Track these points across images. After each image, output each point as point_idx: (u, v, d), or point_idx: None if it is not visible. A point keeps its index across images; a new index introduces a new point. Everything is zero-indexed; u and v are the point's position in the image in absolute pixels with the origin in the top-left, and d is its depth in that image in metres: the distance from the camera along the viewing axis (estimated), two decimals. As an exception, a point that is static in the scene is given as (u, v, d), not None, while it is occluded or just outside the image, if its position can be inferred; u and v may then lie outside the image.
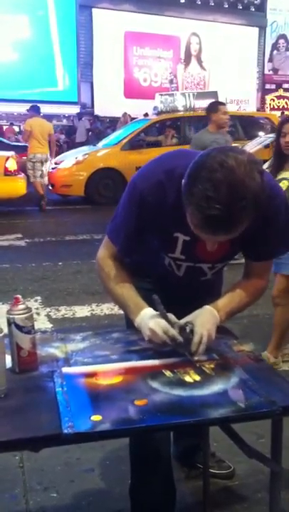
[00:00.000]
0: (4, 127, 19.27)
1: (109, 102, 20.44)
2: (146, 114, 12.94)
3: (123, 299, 1.68)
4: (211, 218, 1.30)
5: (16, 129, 19.39)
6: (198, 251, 1.61)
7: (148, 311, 1.61)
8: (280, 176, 3.07)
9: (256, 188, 1.30)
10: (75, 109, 21.00)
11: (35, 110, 9.58)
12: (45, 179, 9.46)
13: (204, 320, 1.57)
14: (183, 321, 1.58)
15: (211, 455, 2.19)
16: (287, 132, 3.05)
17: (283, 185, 2.96)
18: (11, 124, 20.28)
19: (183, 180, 1.38)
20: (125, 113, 15.12)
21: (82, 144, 13.82)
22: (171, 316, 1.57)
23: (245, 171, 1.29)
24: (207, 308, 1.61)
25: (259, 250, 1.66)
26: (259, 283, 1.73)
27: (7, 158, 8.59)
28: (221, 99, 11.23)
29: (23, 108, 20.94)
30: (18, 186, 8.64)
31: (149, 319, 1.57)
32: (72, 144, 15.83)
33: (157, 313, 1.57)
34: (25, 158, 9.44)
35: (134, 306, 1.65)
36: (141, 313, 1.61)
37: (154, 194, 1.55)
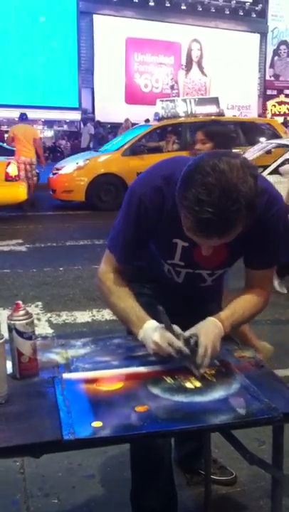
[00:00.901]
0: (5, 132, 19.33)
1: (111, 107, 20.52)
2: (147, 120, 12.98)
3: (125, 313, 1.66)
4: (203, 222, 1.31)
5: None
6: (197, 257, 1.60)
7: (151, 324, 1.58)
8: None
9: (249, 192, 1.30)
10: (76, 115, 21.08)
11: (21, 117, 10.28)
12: (34, 180, 9.94)
13: (208, 332, 1.54)
14: (187, 333, 1.55)
15: (213, 461, 2.18)
16: (197, 140, 3.01)
17: None
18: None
19: (177, 184, 1.39)
20: (127, 119, 15.16)
21: (87, 149, 13.87)
22: (176, 328, 1.55)
23: (238, 174, 1.30)
24: (211, 320, 1.59)
25: (259, 258, 1.66)
26: (262, 293, 1.71)
27: (8, 164, 8.61)
28: (222, 105, 11.29)
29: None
30: (18, 192, 8.66)
31: (153, 332, 1.54)
32: (75, 150, 15.88)
33: (161, 325, 1.55)
34: None
35: (136, 319, 1.62)
36: (144, 326, 1.59)
37: (153, 200, 1.55)
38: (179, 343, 1.51)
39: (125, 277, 1.71)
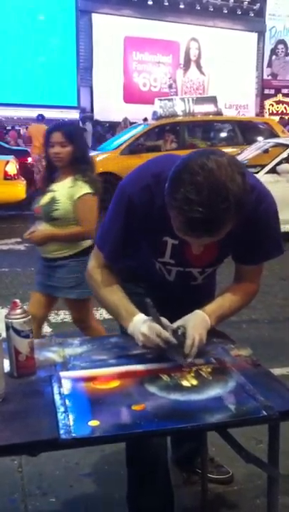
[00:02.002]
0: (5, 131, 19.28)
1: (109, 106, 20.49)
2: (145, 119, 12.97)
3: (115, 307, 1.68)
4: (193, 221, 1.31)
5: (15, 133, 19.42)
6: (187, 255, 1.62)
7: (140, 317, 1.61)
8: (49, 188, 2.89)
9: (238, 189, 1.31)
10: (74, 114, 21.05)
11: (38, 118, 12.17)
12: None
13: (196, 323, 1.59)
14: (174, 325, 1.59)
15: (210, 460, 2.18)
16: (55, 142, 2.77)
17: (47, 197, 2.84)
18: (12, 128, 20.31)
19: (166, 184, 1.39)
20: (126, 118, 15.16)
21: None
22: (164, 320, 1.58)
23: (226, 172, 1.30)
24: (198, 313, 1.62)
25: (249, 255, 1.67)
26: (250, 287, 1.74)
27: (7, 163, 8.59)
28: (220, 104, 11.28)
29: (22, 112, 21.06)
30: (17, 190, 8.64)
31: (142, 324, 1.58)
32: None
33: (149, 318, 1.58)
34: (25, 162, 10.21)
35: (125, 313, 1.65)
36: (133, 320, 1.62)
37: (142, 198, 1.56)
38: (167, 334, 1.54)
39: (114, 272, 1.73)
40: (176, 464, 2.23)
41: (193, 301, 1.68)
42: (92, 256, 1.75)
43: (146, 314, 1.60)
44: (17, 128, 20.88)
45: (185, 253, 1.61)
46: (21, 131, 18.08)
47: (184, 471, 2.25)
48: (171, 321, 1.61)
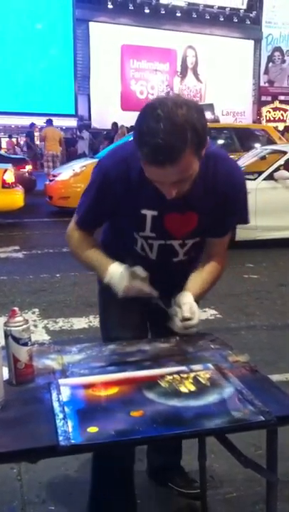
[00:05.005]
0: (2, 139, 19.36)
1: (107, 114, 20.57)
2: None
3: (90, 260, 1.80)
4: (155, 148, 1.42)
5: (15, 141, 19.50)
6: (167, 225, 1.70)
7: (116, 266, 1.72)
8: None
9: (193, 119, 1.44)
10: (72, 122, 21.13)
11: (48, 122, 14.11)
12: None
13: (187, 295, 1.72)
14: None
15: (184, 474, 2.19)
16: None
17: None
18: (9, 137, 20.36)
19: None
20: (122, 125, 15.21)
21: (83, 156, 13.98)
22: (140, 270, 1.69)
23: (181, 105, 1.44)
24: (186, 293, 1.74)
25: (220, 227, 1.79)
26: (220, 261, 1.85)
27: (5, 171, 8.62)
28: (217, 111, 11.33)
29: (20, 121, 21.14)
30: (15, 198, 8.67)
31: (121, 276, 1.69)
32: (72, 156, 15.99)
33: (125, 266, 1.70)
34: (23, 170, 10.59)
35: (99, 264, 1.77)
36: (109, 269, 1.72)
37: (118, 170, 1.66)
38: (148, 288, 1.69)
39: (90, 234, 1.85)
40: (150, 475, 2.24)
41: (176, 282, 1.77)
42: (72, 220, 1.87)
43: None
44: (15, 136, 20.96)
45: (165, 223, 1.70)
46: (19, 139, 18.12)
47: (156, 483, 2.23)
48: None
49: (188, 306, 1.67)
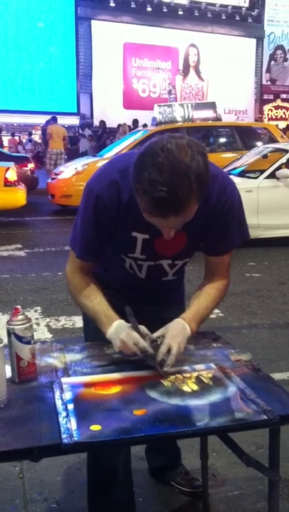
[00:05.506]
0: (4, 137, 19.34)
1: (109, 112, 20.56)
2: (145, 125, 13.00)
3: (94, 312, 1.68)
4: (158, 201, 1.36)
5: (18, 139, 19.49)
6: (157, 247, 1.64)
7: (120, 323, 1.61)
8: None
9: (198, 167, 1.36)
10: (74, 120, 21.11)
11: (53, 119, 14.71)
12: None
13: (175, 333, 1.59)
14: (155, 334, 1.60)
15: (185, 473, 2.19)
16: None
17: None
18: (12, 135, 20.36)
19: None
20: (124, 123, 15.20)
21: (85, 154, 14.00)
22: (143, 328, 1.59)
23: (186, 152, 1.36)
24: (177, 321, 1.63)
25: (217, 245, 1.71)
26: (222, 283, 1.76)
27: (7, 169, 8.61)
28: (219, 109, 11.32)
29: (22, 119, 21.14)
30: (18, 197, 8.66)
31: (122, 331, 1.58)
32: (74, 155, 16.02)
33: (129, 325, 1.59)
34: (25, 168, 10.59)
35: (105, 318, 1.65)
36: (113, 325, 1.62)
37: (110, 195, 1.58)
38: (144, 343, 1.55)
39: (92, 275, 1.74)
40: (151, 474, 2.25)
41: (163, 300, 1.72)
42: (69, 260, 1.77)
43: (126, 321, 1.61)
44: (17, 135, 20.95)
45: (155, 246, 1.64)
46: (21, 137, 18.13)
47: (158, 482, 2.24)
48: (144, 321, 1.61)
49: (164, 349, 1.55)
